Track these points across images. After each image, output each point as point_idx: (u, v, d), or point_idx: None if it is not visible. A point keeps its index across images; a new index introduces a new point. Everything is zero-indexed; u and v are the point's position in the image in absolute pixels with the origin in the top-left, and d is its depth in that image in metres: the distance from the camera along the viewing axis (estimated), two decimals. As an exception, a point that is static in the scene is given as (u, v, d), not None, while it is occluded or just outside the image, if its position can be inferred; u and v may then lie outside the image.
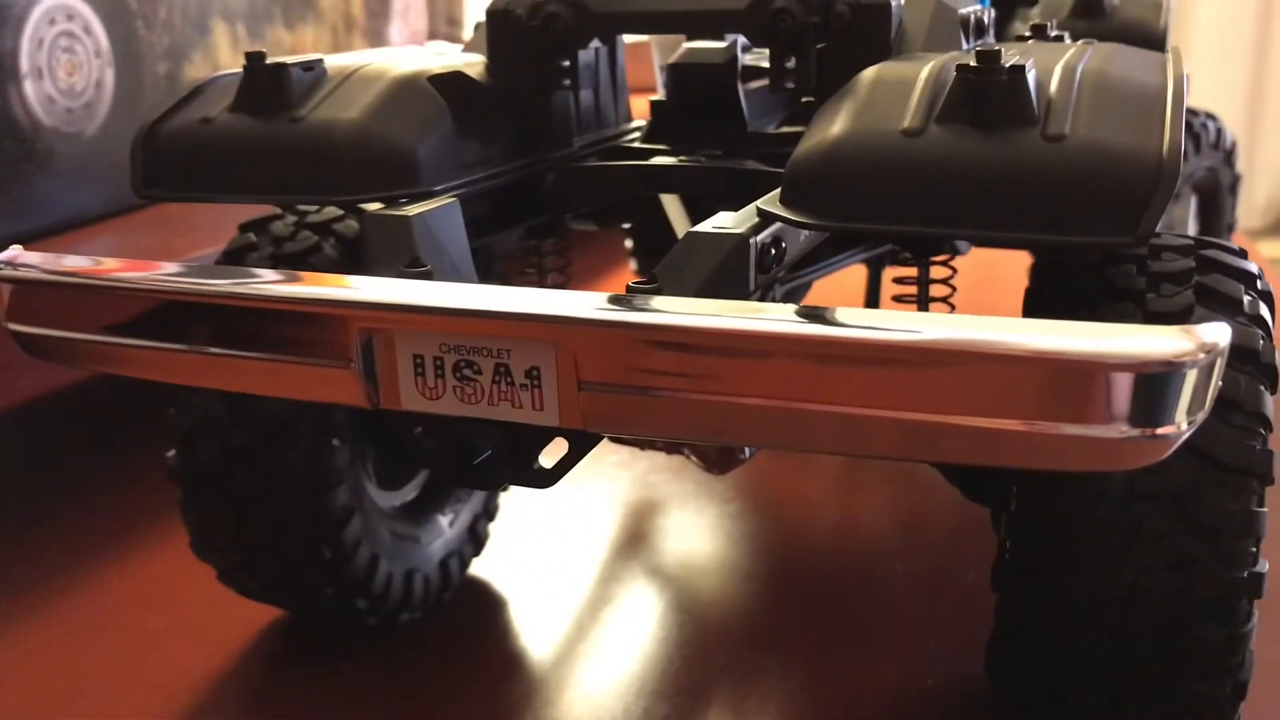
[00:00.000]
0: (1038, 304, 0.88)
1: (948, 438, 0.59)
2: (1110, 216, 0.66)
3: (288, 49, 1.97)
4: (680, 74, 1.03)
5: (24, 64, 1.45)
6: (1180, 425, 0.58)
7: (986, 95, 0.69)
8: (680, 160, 0.98)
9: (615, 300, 0.64)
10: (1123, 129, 0.68)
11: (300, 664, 1.11)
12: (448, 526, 1.18)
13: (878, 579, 1.24)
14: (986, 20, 0.97)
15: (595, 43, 0.96)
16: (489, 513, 1.24)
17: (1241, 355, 0.75)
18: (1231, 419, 0.74)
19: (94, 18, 1.56)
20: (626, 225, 1.65)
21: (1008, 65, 0.69)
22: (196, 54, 1.76)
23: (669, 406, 0.63)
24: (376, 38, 2.26)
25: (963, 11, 0.92)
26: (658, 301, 0.64)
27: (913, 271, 1.05)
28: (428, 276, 0.75)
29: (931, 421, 0.59)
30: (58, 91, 1.51)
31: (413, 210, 0.79)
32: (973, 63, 0.70)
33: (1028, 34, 0.99)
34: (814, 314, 0.60)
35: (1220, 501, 0.74)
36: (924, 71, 0.75)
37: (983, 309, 0.82)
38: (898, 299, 1.04)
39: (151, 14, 1.67)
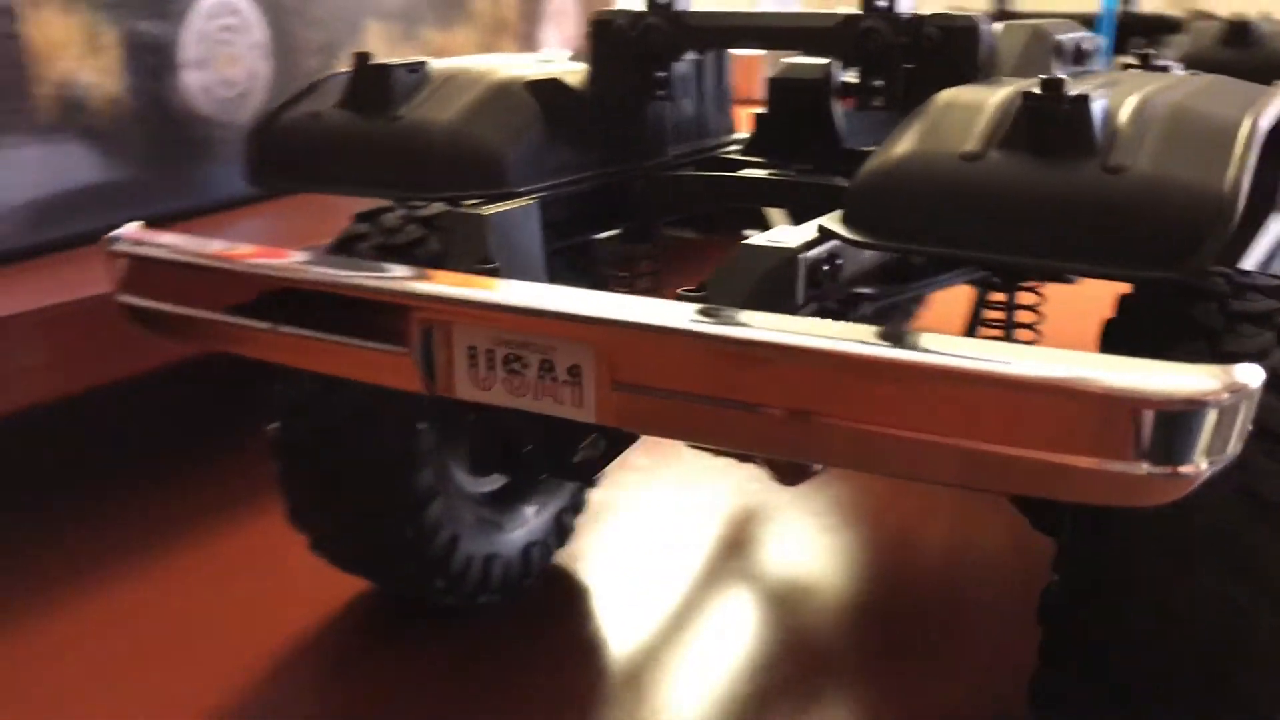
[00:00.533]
0: (1114, 335, 0.86)
1: (970, 463, 0.59)
2: (1160, 250, 0.65)
3: (438, 49, 2.05)
4: (778, 88, 1.04)
5: (185, 55, 1.55)
6: (1200, 465, 0.57)
7: (1047, 123, 0.69)
8: (768, 174, 1.00)
9: (651, 305, 0.66)
10: (1187, 163, 0.67)
11: (380, 636, 1.16)
12: (533, 515, 1.21)
13: (965, 604, 1.23)
14: (1090, 48, 0.95)
15: (692, 55, 0.98)
16: (576, 506, 1.28)
17: None
18: None
19: (253, 13, 1.66)
20: (746, 233, 1.66)
21: (1071, 94, 0.69)
22: (349, 50, 1.85)
23: (695, 412, 0.65)
24: (528, 41, 2.32)
25: (1060, 38, 0.91)
26: (690, 308, 0.66)
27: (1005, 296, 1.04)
28: (494, 274, 0.79)
29: (949, 445, 0.59)
30: (215, 81, 1.60)
31: (489, 210, 0.82)
32: (1036, 90, 0.70)
33: (1133, 63, 0.98)
34: (829, 329, 0.61)
35: (1276, 546, 0.72)
36: (996, 96, 0.75)
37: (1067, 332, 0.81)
38: (985, 323, 1.04)
39: (307, 11, 1.76)
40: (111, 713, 1.04)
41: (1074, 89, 0.69)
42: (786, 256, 0.72)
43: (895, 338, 0.59)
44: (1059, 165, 0.68)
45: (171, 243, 0.84)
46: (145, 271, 0.84)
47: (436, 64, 0.96)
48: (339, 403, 1.02)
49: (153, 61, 1.51)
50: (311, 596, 1.20)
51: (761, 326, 0.63)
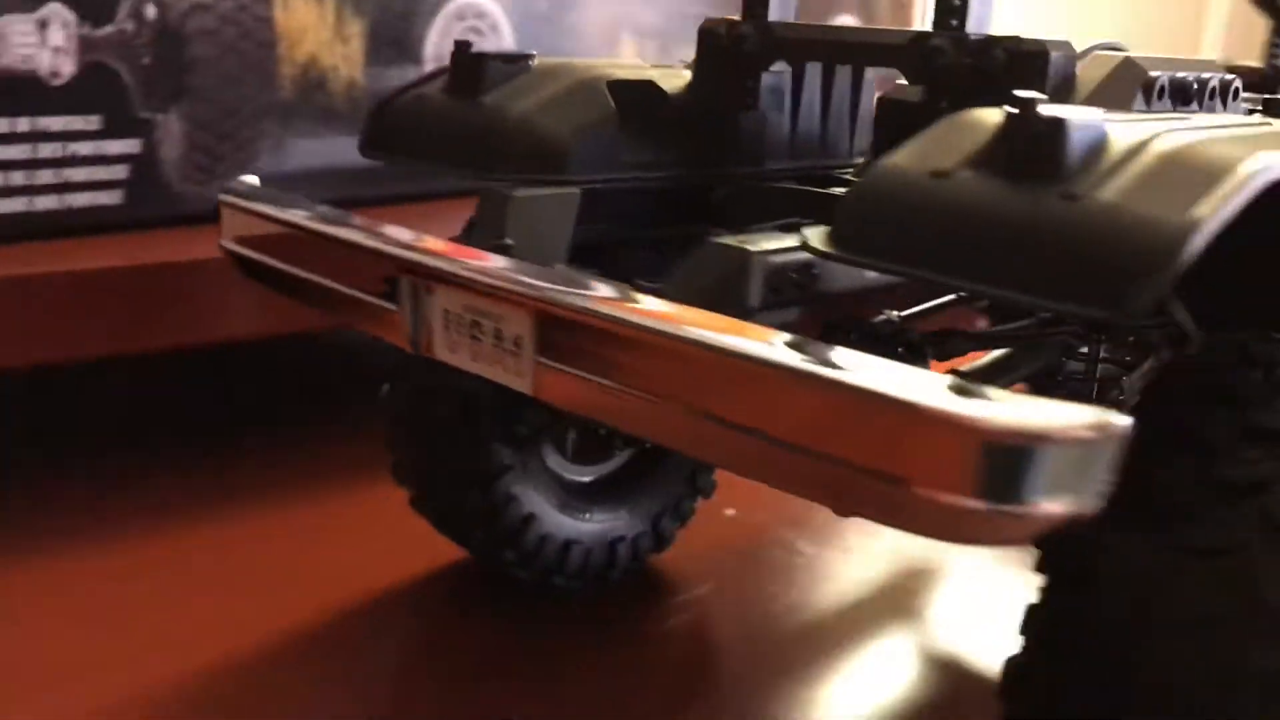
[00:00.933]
0: (1150, 397, 0.79)
1: (807, 475, 0.58)
2: (1094, 287, 0.60)
3: (693, 68, 2.11)
4: (884, 109, 1.02)
5: (428, 50, 1.69)
6: (1042, 507, 0.53)
7: (1019, 144, 0.65)
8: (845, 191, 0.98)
9: (583, 287, 0.68)
10: (1154, 198, 0.61)
11: (471, 604, 1.22)
12: (626, 512, 1.24)
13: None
14: (1203, 89, 0.87)
15: (780, 65, 0.98)
16: (680, 513, 1.29)
17: None
18: None
19: (503, 18, 1.78)
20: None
21: (1046, 115, 0.65)
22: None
23: (595, 391, 0.66)
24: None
25: (1156, 75, 0.84)
26: (611, 292, 0.67)
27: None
28: (505, 250, 0.83)
29: (789, 449, 0.58)
30: (455, 78, 1.73)
31: (520, 192, 0.86)
32: (1014, 110, 0.66)
33: (1258, 107, 0.89)
34: (691, 318, 0.61)
35: (1243, 644, 0.64)
36: (997, 117, 0.71)
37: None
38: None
39: (560, 20, 1.86)
40: (202, 623, 1.17)
41: (1055, 111, 0.65)
42: (741, 257, 0.72)
43: (748, 332, 0.59)
44: (1019, 188, 0.64)
45: (258, 196, 0.93)
46: (236, 219, 0.94)
47: (542, 59, 1.01)
48: (431, 370, 1.09)
49: (394, 54, 1.65)
50: (410, 560, 1.28)
51: (655, 316, 0.64)
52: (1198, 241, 0.59)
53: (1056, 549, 0.72)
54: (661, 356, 0.63)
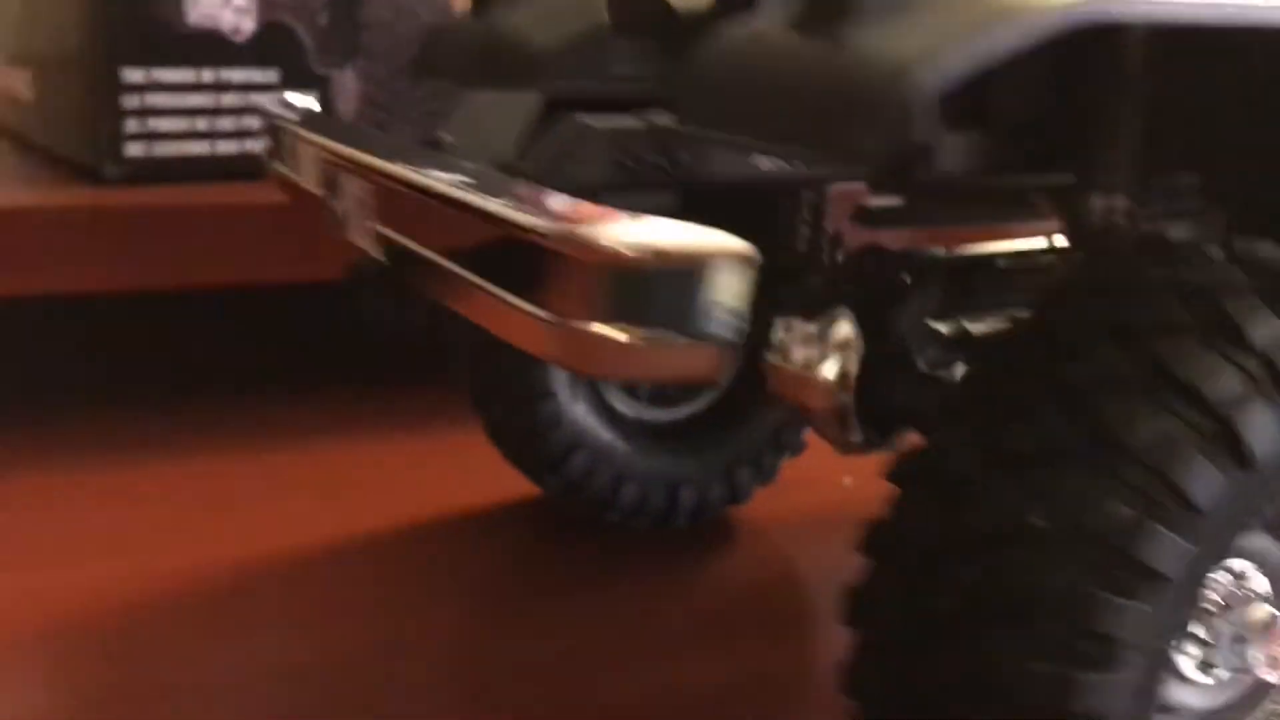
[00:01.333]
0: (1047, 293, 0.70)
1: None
2: (834, 128, 0.55)
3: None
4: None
5: (614, 18, 1.73)
6: (669, 335, 0.49)
7: (819, -6, 0.60)
8: None
9: (397, 152, 0.70)
10: (918, 37, 0.55)
11: (548, 535, 1.25)
12: (695, 458, 1.21)
13: None
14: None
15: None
16: (760, 468, 1.24)
17: None
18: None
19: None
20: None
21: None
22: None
23: (405, 255, 0.68)
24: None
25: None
26: (412, 154, 0.68)
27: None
28: (435, 144, 0.85)
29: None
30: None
31: (469, 93, 0.88)
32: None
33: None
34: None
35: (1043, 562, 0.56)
36: None
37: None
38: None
39: None
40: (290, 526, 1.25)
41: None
42: (578, 130, 0.70)
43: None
44: (806, 37, 0.60)
45: (282, 105, 1.01)
46: (266, 131, 1.02)
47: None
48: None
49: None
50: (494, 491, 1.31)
51: (416, 173, 0.64)
52: (932, 78, 0.52)
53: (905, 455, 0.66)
54: (418, 211, 0.64)
